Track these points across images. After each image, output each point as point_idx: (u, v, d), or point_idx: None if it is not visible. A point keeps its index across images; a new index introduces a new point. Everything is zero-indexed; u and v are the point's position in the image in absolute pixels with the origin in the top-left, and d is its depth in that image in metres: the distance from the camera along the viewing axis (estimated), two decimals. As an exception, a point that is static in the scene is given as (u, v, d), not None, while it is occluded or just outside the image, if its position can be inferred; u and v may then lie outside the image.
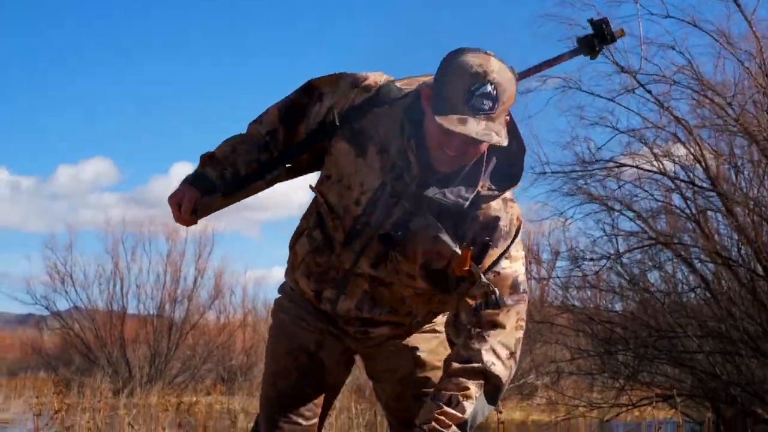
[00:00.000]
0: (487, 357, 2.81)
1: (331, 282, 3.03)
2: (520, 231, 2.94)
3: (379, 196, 2.88)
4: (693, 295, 11.71)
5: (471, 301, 2.85)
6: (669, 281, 11.83)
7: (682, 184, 10.50)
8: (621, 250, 11.43)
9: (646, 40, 9.97)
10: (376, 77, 2.94)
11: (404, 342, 3.17)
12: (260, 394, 3.25)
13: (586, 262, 11.64)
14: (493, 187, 2.83)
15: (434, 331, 3.22)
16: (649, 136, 10.69)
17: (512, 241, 2.89)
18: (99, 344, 23.90)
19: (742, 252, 10.05)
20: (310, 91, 3.03)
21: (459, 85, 2.61)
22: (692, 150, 10.21)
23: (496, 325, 2.84)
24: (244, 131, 3.13)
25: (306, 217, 3.12)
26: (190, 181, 3.06)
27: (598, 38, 3.17)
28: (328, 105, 2.96)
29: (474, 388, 2.80)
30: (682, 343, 11.07)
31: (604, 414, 12.37)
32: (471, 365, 2.81)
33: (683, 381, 11.98)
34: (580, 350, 12.72)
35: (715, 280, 11.00)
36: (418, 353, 3.18)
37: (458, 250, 2.86)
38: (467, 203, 2.79)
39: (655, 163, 10.55)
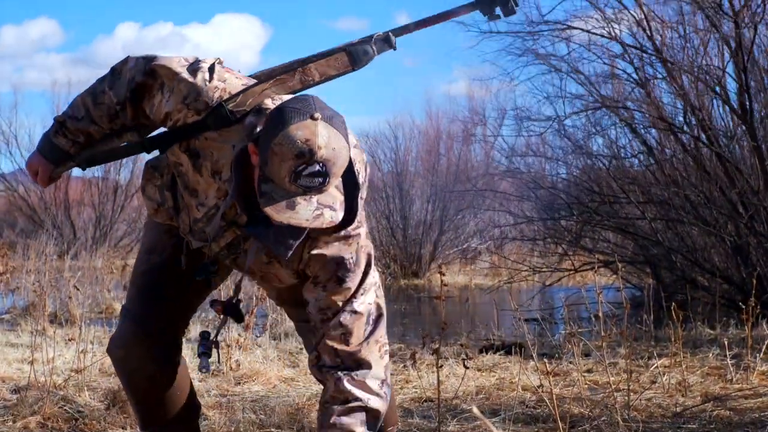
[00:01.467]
0: (363, 395, 2.82)
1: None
2: (371, 258, 2.91)
3: (213, 215, 2.87)
4: (636, 161, 11.80)
5: (330, 343, 2.83)
6: (612, 147, 11.89)
7: (631, 50, 10.45)
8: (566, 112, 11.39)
9: None
10: (210, 93, 2.81)
11: None
12: (132, 271, 3.22)
13: (531, 123, 11.62)
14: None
15: None
16: (601, 1, 10.58)
17: (365, 273, 2.87)
18: (44, 207, 23.74)
19: (687, 119, 10.09)
20: (153, 74, 2.92)
21: (284, 166, 2.51)
22: (638, 17, 10.14)
23: (361, 364, 2.84)
24: (104, 77, 3.04)
25: (160, 168, 3.08)
26: (43, 152, 3.07)
27: (498, 4, 3.16)
28: (166, 110, 2.88)
29: (359, 428, 2.80)
30: (625, 209, 11.20)
31: (546, 279, 12.56)
32: (350, 405, 2.80)
33: (625, 247, 12.16)
34: (524, 216, 12.83)
35: (659, 146, 11.08)
36: None
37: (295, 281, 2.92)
38: (290, 252, 2.74)
39: (605, 28, 10.47)
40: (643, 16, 10.01)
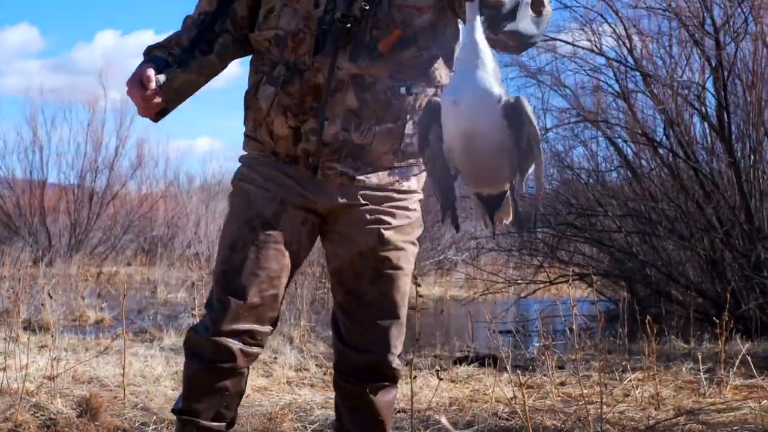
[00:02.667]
0: None
1: (310, 111, 2.99)
2: None
3: None
4: (615, 174, 11.85)
5: None
6: (592, 160, 11.93)
7: (613, 63, 10.48)
8: (548, 126, 11.41)
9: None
10: None
11: (372, 216, 3.11)
12: (214, 268, 3.15)
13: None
14: None
15: (406, 209, 3.18)
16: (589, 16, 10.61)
17: None
18: (19, 213, 23.55)
19: (666, 134, 10.12)
20: None
21: None
22: (618, 31, 10.19)
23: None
24: None
25: (257, 71, 3.12)
26: (143, 63, 3.05)
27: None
28: None
29: None
30: (601, 222, 11.24)
31: (521, 291, 12.58)
32: None
33: (600, 261, 12.20)
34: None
35: (637, 160, 11.12)
36: (383, 229, 3.12)
37: None
38: None
39: (591, 38, 10.48)
40: (623, 31, 10.06)
